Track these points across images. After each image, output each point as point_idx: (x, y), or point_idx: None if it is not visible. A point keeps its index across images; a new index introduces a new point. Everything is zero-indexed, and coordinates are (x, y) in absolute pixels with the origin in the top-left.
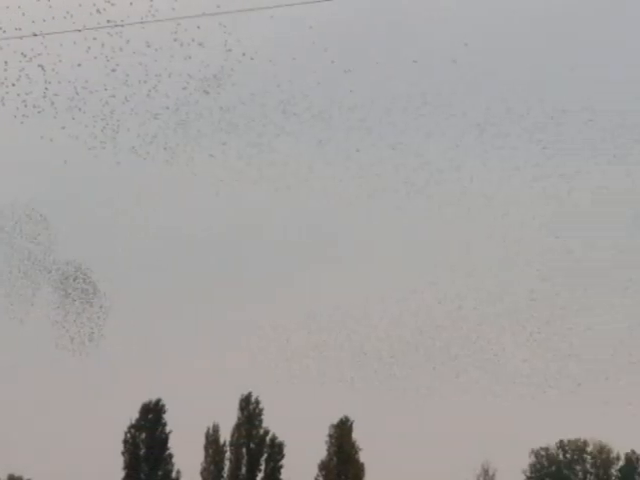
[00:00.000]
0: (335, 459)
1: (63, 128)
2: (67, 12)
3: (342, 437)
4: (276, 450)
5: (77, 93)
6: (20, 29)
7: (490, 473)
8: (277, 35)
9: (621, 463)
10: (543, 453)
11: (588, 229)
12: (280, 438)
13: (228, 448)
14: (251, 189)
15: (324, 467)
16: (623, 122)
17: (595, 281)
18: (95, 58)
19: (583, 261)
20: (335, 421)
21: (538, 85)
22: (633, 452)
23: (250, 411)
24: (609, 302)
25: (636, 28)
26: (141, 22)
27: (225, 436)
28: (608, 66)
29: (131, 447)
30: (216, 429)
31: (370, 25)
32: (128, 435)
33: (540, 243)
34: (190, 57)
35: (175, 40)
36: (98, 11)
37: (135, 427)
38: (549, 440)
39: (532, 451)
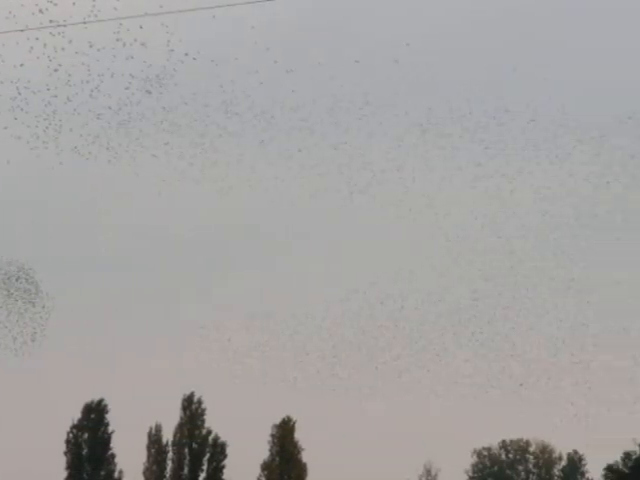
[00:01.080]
0: (278, 459)
1: (5, 128)
2: (9, 12)
3: (284, 437)
4: (218, 450)
5: (19, 93)
6: None
7: (433, 473)
8: (219, 35)
9: (563, 463)
10: (485, 453)
11: (530, 229)
12: (222, 438)
13: (170, 448)
14: (193, 189)
15: (266, 467)
16: (565, 122)
17: (537, 281)
18: (37, 58)
19: (525, 261)
20: (277, 421)
21: (480, 85)
22: (575, 452)
23: (193, 411)
24: (551, 302)
25: (576, 29)
26: (84, 22)
27: (168, 436)
28: (550, 66)
29: (73, 447)
30: (159, 429)
31: (312, 25)
32: (70, 435)
33: (482, 243)
34: (132, 57)
35: (117, 40)
36: (40, 11)
37: (77, 427)
38: (491, 440)
39: (474, 451)
